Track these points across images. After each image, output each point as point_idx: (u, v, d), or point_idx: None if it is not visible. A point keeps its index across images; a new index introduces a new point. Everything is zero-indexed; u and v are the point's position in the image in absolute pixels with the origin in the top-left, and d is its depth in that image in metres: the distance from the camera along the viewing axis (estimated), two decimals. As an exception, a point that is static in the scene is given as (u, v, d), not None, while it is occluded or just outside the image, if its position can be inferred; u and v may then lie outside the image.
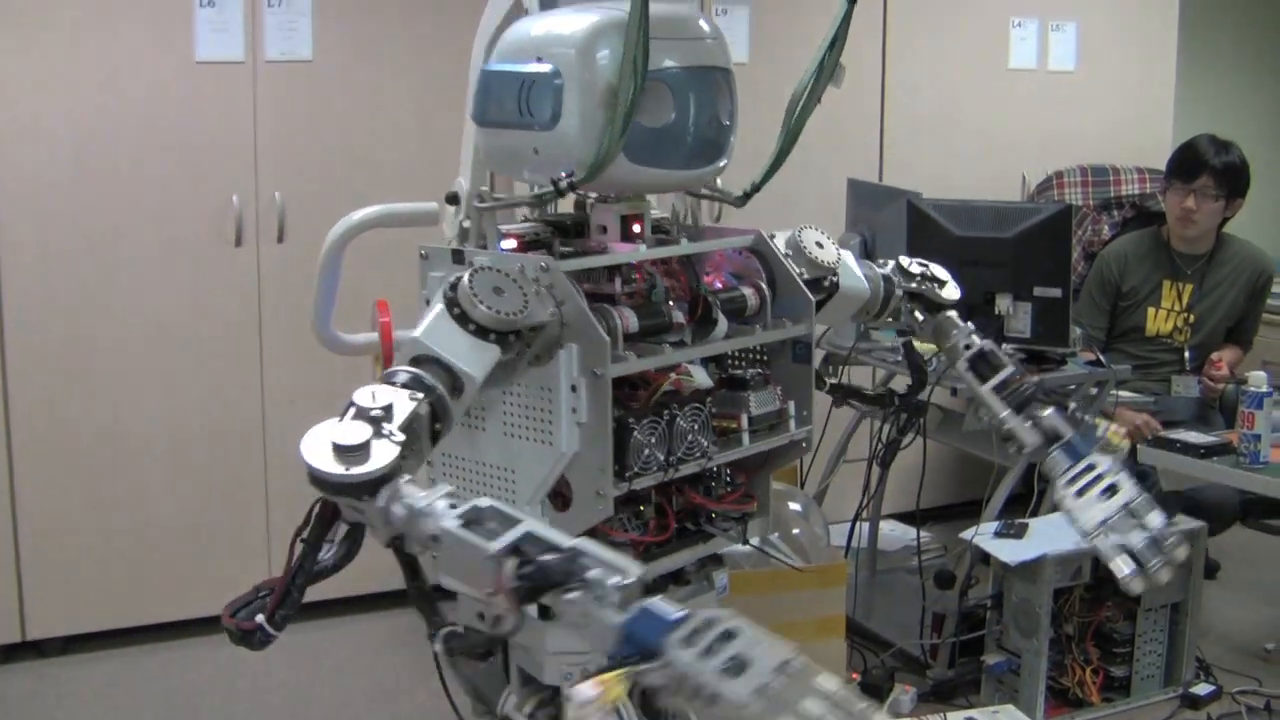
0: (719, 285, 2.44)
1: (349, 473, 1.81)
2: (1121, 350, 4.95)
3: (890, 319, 2.89)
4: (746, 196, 2.45)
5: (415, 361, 1.99)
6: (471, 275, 2.03)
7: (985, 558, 4.05)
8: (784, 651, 1.53)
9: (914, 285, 2.84)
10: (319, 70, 4.53)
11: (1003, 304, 4.25)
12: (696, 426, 2.29)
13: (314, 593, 4.90)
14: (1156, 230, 5.11)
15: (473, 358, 2.00)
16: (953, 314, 2.86)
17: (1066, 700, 4.00)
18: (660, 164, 2.22)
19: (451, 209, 3.14)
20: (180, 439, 4.53)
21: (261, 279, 4.56)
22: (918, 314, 2.87)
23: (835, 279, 2.61)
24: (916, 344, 3.04)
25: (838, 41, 2.35)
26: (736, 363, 2.51)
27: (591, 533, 2.17)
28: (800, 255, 2.52)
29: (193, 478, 4.57)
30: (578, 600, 1.64)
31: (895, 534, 5.07)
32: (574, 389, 2.13)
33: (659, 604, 1.61)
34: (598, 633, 1.63)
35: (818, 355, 2.97)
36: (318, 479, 1.83)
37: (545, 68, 2.16)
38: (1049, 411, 2.68)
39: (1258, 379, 3.82)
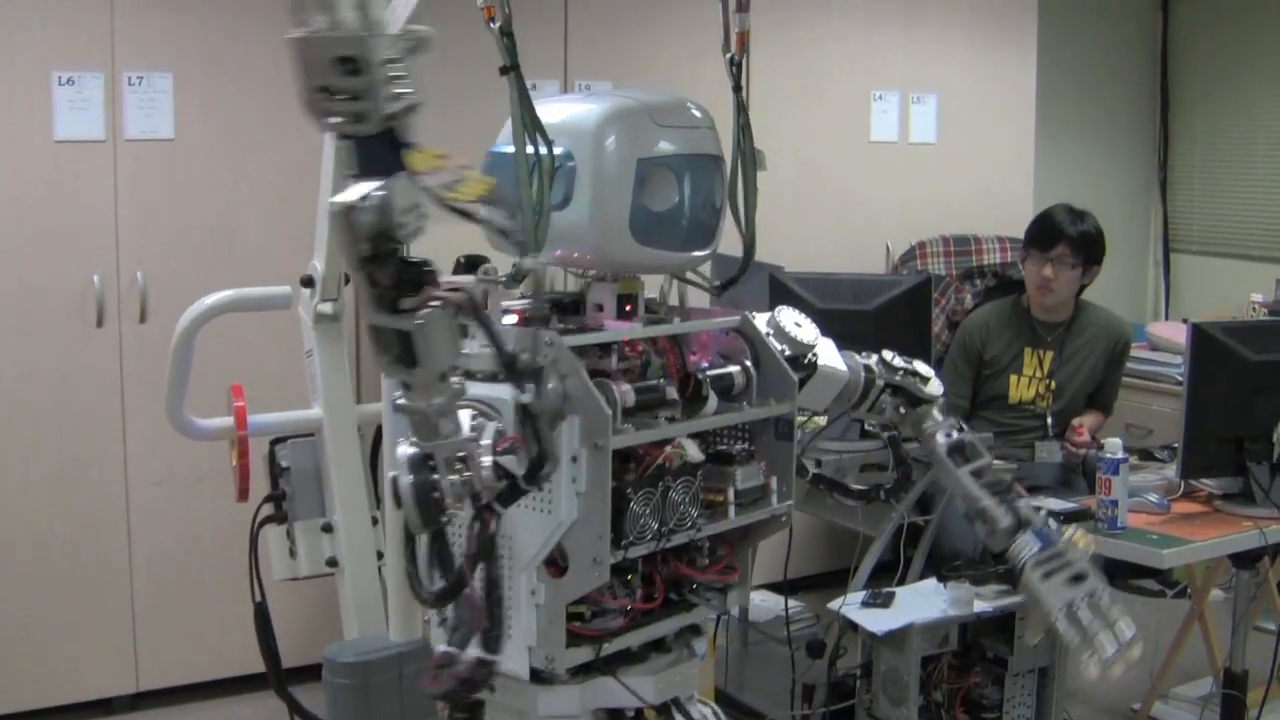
0: (705, 364, 2.52)
1: None
2: (985, 418, 5.02)
3: (871, 411, 2.95)
4: (723, 288, 2.58)
5: None
6: None
7: (854, 626, 4.07)
8: None
9: (897, 378, 2.93)
10: (180, 149, 4.50)
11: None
12: (687, 498, 2.36)
13: (174, 677, 4.82)
14: (1017, 298, 5.19)
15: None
16: (934, 408, 2.97)
17: (937, 767, 4.02)
18: (662, 245, 2.35)
19: (307, 291, 3.15)
20: (42, 522, 4.44)
21: (124, 359, 4.50)
22: (900, 408, 2.96)
23: (814, 357, 2.69)
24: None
25: (747, 128, 2.52)
26: (723, 438, 2.59)
27: (585, 599, 2.28)
28: (781, 334, 2.61)
29: (55, 561, 4.47)
30: None
31: (767, 604, 5.08)
32: (575, 459, 2.20)
33: None
34: None
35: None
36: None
37: (557, 151, 2.25)
38: (1023, 500, 2.87)
39: (1113, 445, 3.88)
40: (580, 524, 2.21)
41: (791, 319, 2.65)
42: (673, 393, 2.36)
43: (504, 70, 2.16)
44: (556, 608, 2.24)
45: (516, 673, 2.23)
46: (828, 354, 2.77)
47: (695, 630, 2.57)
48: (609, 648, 2.32)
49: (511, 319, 2.35)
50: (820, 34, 5.76)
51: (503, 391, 2.06)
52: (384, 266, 1.79)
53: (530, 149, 2.22)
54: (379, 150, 1.74)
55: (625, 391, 2.27)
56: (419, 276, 1.82)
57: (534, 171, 2.19)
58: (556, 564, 2.25)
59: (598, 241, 2.30)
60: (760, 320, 2.60)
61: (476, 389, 2.09)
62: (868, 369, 2.88)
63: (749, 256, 2.57)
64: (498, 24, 2.14)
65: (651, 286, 2.51)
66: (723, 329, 2.56)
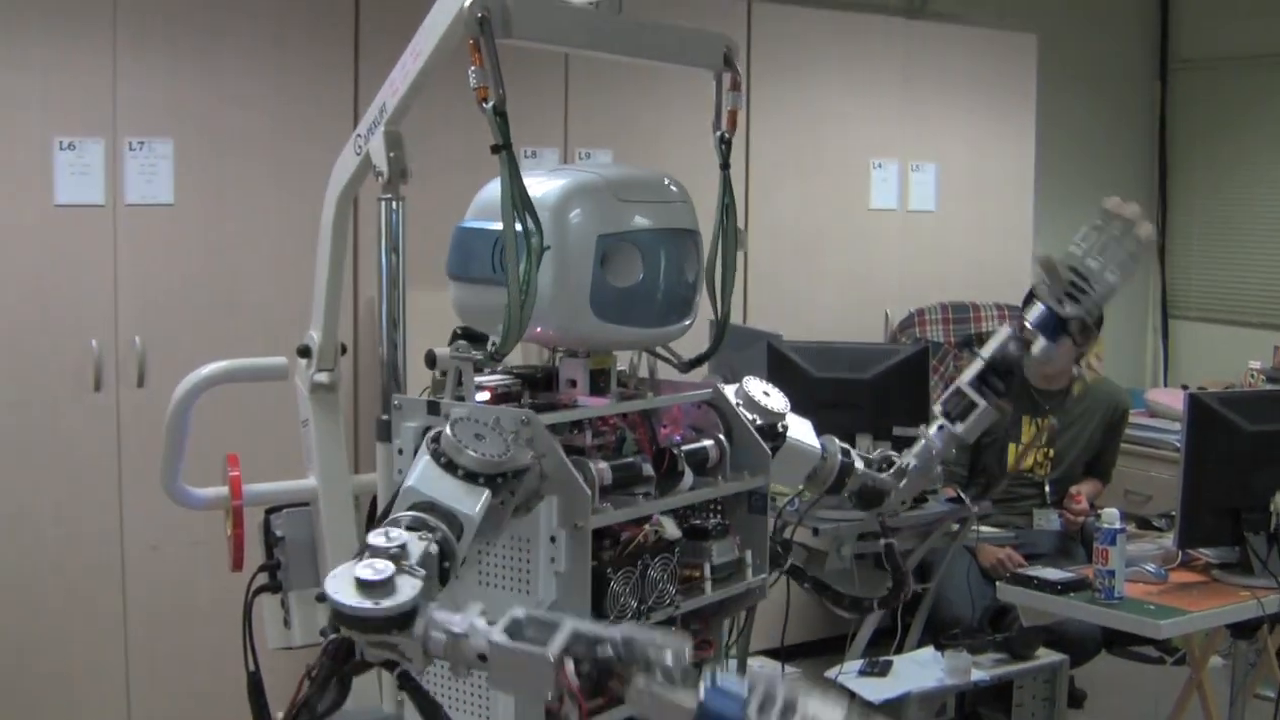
0: (677, 437, 2.49)
1: (379, 606, 1.79)
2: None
3: (849, 496, 2.93)
4: (691, 364, 2.54)
5: (413, 508, 2.01)
6: (452, 425, 2.07)
7: (852, 695, 4.05)
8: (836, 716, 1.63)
9: (869, 454, 2.96)
10: (180, 214, 4.51)
11: (863, 444, 4.29)
12: (666, 576, 2.34)
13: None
14: (1015, 366, 5.19)
15: (468, 500, 2.02)
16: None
17: (934, 838, 4.00)
18: (628, 322, 2.31)
19: (303, 361, 3.14)
20: (37, 584, 4.42)
21: (121, 423, 4.50)
22: (883, 467, 2.97)
23: (785, 426, 2.66)
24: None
25: (730, 208, 2.49)
26: (697, 513, 2.56)
27: None
28: (750, 403, 2.57)
29: (49, 623, 4.44)
30: (645, 687, 1.68)
31: (764, 671, 5.04)
32: (553, 540, 2.17)
33: (727, 679, 1.66)
34: (671, 714, 1.67)
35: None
36: (348, 617, 1.80)
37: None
38: None
39: (1110, 515, 3.88)
40: (559, 605, 2.17)
41: (760, 388, 2.61)
42: (649, 469, 2.34)
43: (495, 149, 2.16)
44: None
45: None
46: (801, 431, 2.76)
47: None
48: None
49: (484, 396, 2.33)
50: (820, 103, 5.80)
51: (462, 505, 2.02)
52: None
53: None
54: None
55: (603, 470, 2.25)
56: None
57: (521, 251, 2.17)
58: None
59: (560, 319, 2.27)
60: (729, 391, 2.57)
61: (445, 486, 2.04)
62: (845, 452, 2.87)
63: (721, 335, 2.55)
64: (490, 104, 2.14)
65: (622, 357, 2.49)
66: (694, 402, 2.54)
